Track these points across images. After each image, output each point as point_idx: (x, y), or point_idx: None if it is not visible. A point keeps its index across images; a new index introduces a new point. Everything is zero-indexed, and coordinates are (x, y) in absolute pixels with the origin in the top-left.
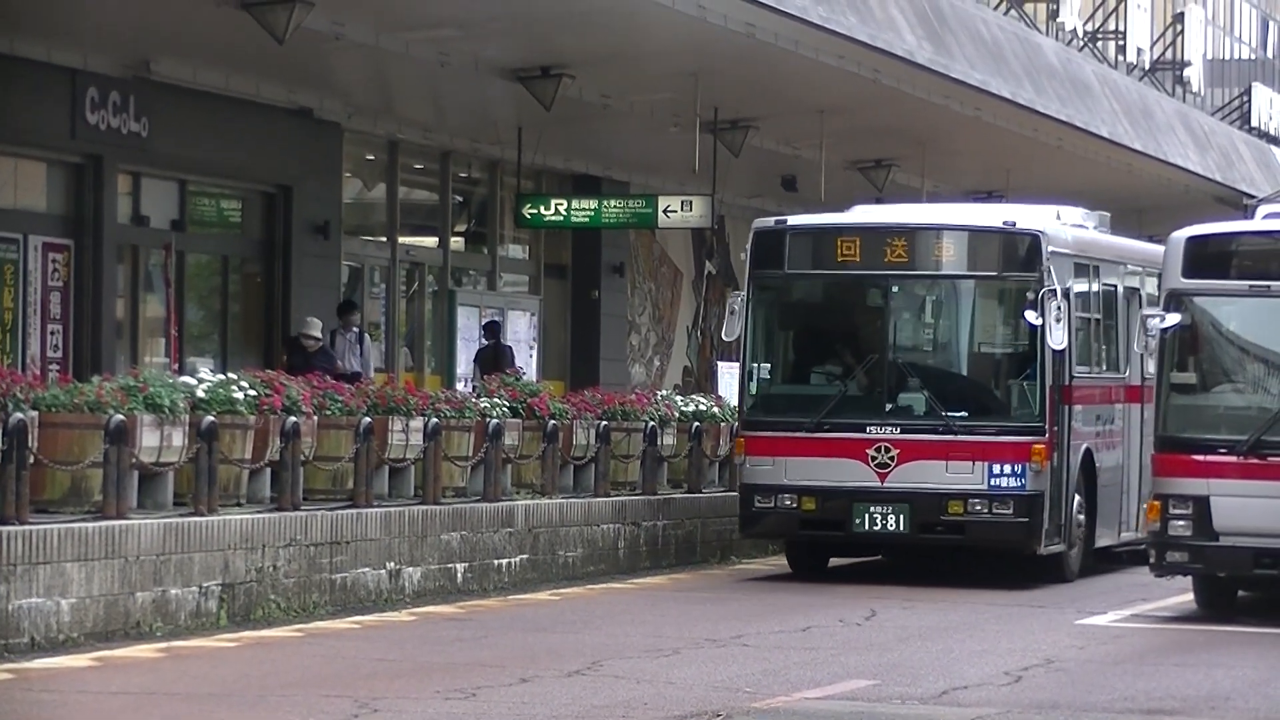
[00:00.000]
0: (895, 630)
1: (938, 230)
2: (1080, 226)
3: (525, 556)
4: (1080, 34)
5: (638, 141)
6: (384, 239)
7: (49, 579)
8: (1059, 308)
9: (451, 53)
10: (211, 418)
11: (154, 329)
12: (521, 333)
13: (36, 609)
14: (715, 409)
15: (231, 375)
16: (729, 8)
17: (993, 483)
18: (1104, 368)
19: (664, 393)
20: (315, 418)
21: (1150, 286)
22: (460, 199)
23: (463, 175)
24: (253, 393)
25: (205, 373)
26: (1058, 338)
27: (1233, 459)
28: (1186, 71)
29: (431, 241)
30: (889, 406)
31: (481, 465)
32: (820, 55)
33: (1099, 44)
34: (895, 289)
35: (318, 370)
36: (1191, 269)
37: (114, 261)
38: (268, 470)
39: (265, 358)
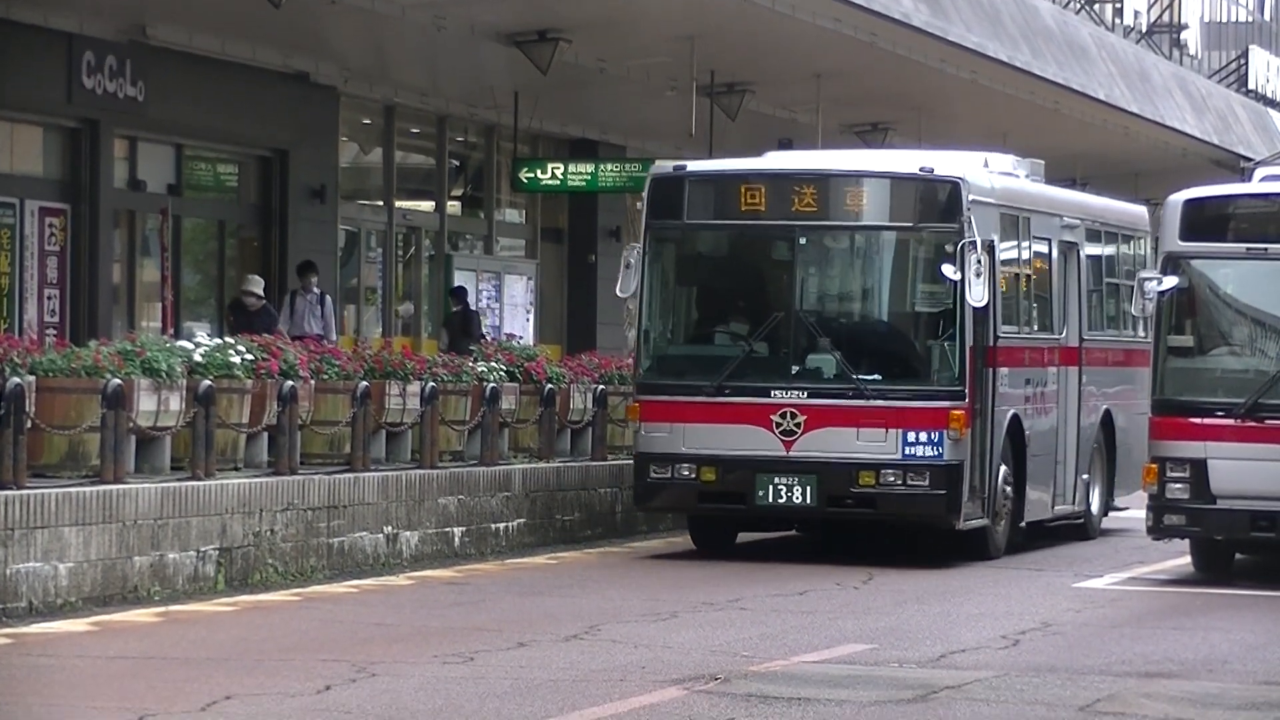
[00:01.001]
0: (892, 594)
1: (849, 177)
2: (1009, 175)
3: (522, 521)
4: None
5: (634, 105)
6: (380, 203)
7: (46, 543)
8: (979, 261)
9: (448, 17)
10: (209, 382)
11: (150, 294)
12: (519, 297)
13: (34, 573)
14: None
15: (228, 339)
16: None
17: (907, 452)
18: (1035, 328)
19: None
20: (312, 382)
21: (1093, 241)
22: (457, 163)
23: (459, 139)
24: (250, 357)
25: (202, 337)
26: (978, 294)
27: (1230, 422)
28: (1184, 34)
29: (428, 206)
30: (796, 369)
31: (479, 429)
32: (817, 18)
33: (1096, 7)
34: (803, 241)
35: (259, 332)
36: (1189, 232)
37: (110, 226)
38: (265, 435)
39: None
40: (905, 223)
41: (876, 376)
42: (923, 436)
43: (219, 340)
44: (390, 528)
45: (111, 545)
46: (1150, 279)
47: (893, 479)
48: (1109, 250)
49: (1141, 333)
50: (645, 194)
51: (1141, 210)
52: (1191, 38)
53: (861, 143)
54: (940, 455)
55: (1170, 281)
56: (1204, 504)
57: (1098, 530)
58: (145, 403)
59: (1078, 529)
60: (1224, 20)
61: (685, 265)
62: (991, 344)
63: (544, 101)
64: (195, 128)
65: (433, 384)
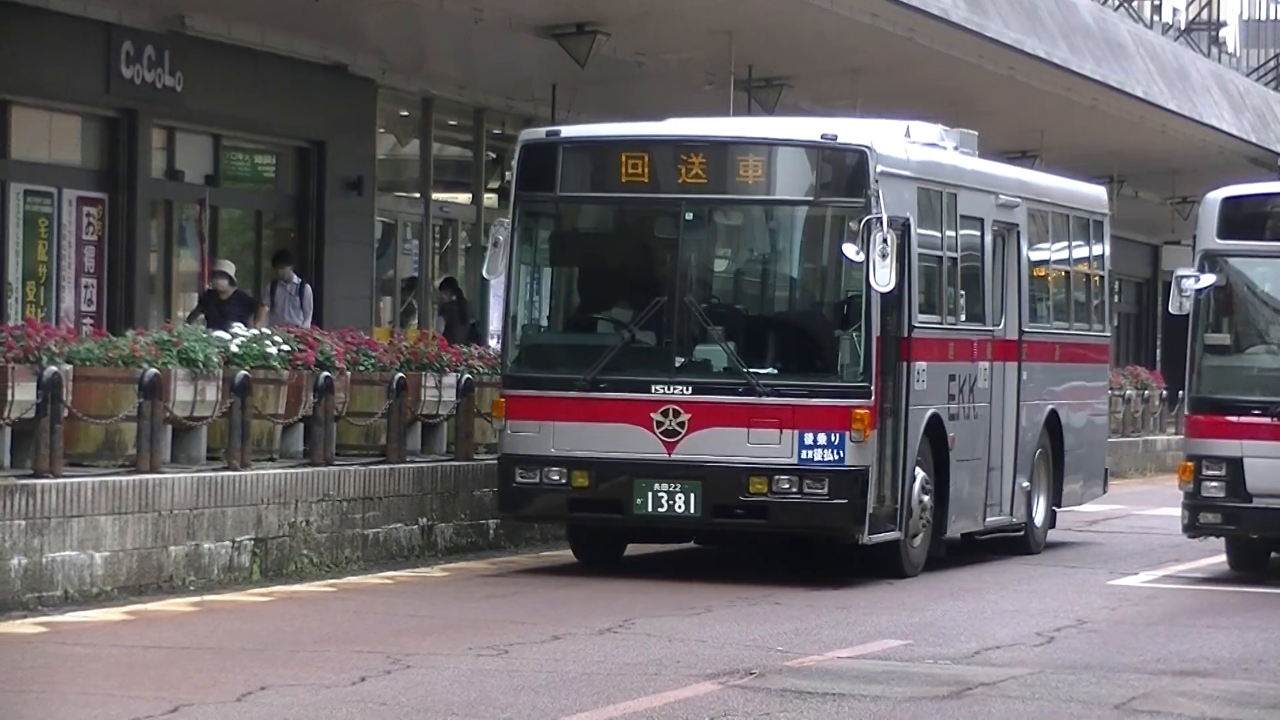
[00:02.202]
0: (926, 590)
1: (742, 145)
2: (933, 145)
3: None
4: None
5: (672, 99)
6: (417, 195)
7: (82, 532)
8: (886, 240)
9: (485, 9)
10: (245, 372)
11: (187, 284)
12: None
13: (70, 562)
14: None
15: (265, 330)
16: None
17: (804, 455)
18: (962, 318)
19: None
20: (348, 373)
21: (1037, 223)
22: (494, 156)
23: (496, 132)
24: (286, 348)
25: (239, 327)
26: (883, 278)
27: (1266, 420)
28: (1222, 32)
29: (465, 198)
30: (680, 361)
31: None
32: (855, 13)
33: (1134, 4)
34: (690, 216)
35: (232, 319)
36: (1226, 230)
37: (147, 216)
38: (300, 425)
39: None
40: (805, 196)
41: (771, 370)
42: (821, 438)
43: (255, 331)
44: (425, 519)
45: (147, 535)
46: (1188, 277)
47: (787, 486)
48: (1058, 233)
49: (1098, 326)
50: (515, 162)
51: (1099, 191)
52: (1230, 35)
53: None
54: (841, 459)
55: (1208, 279)
56: (1240, 503)
57: (1041, 543)
58: (182, 392)
59: (1016, 542)
60: (1263, 18)
61: (558, 244)
62: (906, 335)
63: (581, 95)
64: (233, 118)
65: (468, 376)
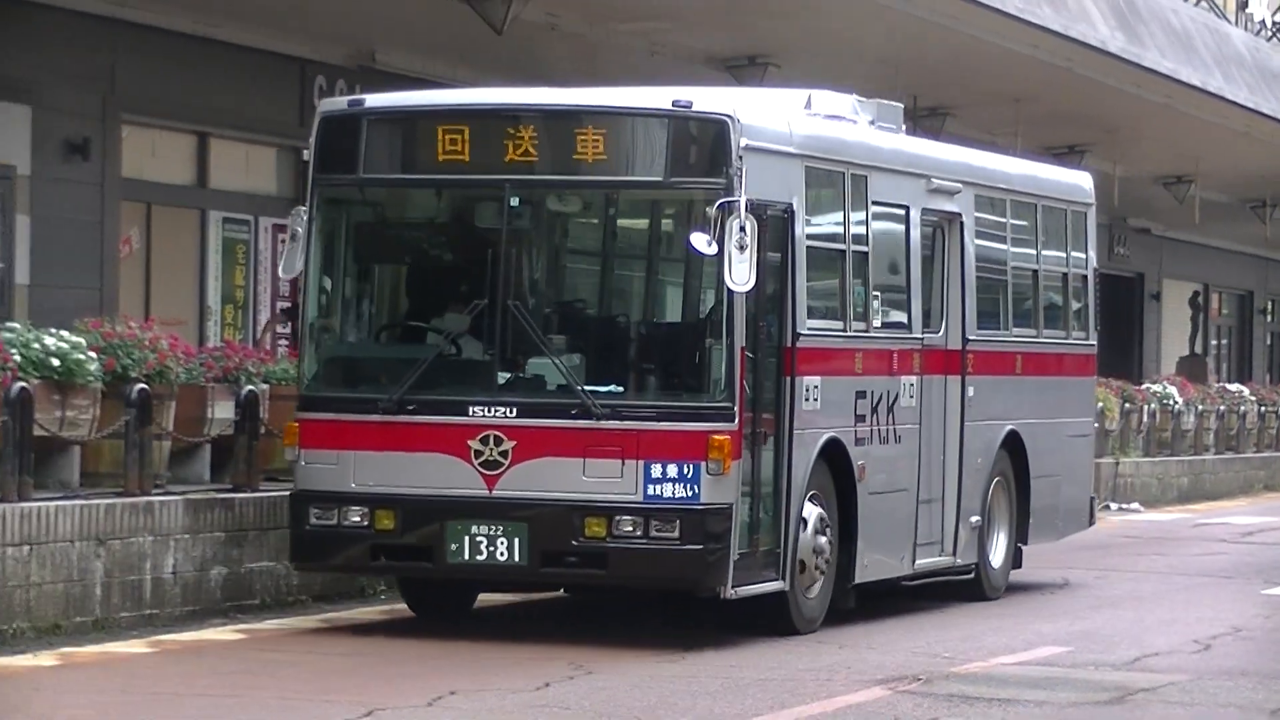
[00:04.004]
0: (1088, 599)
1: (578, 114)
2: (836, 118)
3: None
4: (1269, 24)
5: None
6: None
7: (277, 544)
8: (744, 229)
9: (661, 42)
10: None
11: None
12: None
13: (267, 572)
14: None
15: None
16: (927, 0)
17: (650, 491)
18: (876, 323)
19: None
20: None
21: (990, 213)
22: None
23: None
24: None
25: None
26: (740, 274)
27: None
28: None
29: None
30: (504, 378)
31: None
32: (1016, 44)
33: None
34: (516, 202)
35: None
36: None
37: None
38: None
39: None
40: (652, 176)
41: (613, 388)
42: (672, 470)
43: None
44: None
45: None
46: None
47: (630, 529)
48: (1021, 227)
49: (1079, 334)
50: (313, 140)
51: (1078, 179)
52: None
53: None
54: (695, 495)
55: None
56: None
57: (999, 587)
58: None
59: (965, 587)
60: None
61: (362, 237)
62: (790, 344)
63: None
64: None
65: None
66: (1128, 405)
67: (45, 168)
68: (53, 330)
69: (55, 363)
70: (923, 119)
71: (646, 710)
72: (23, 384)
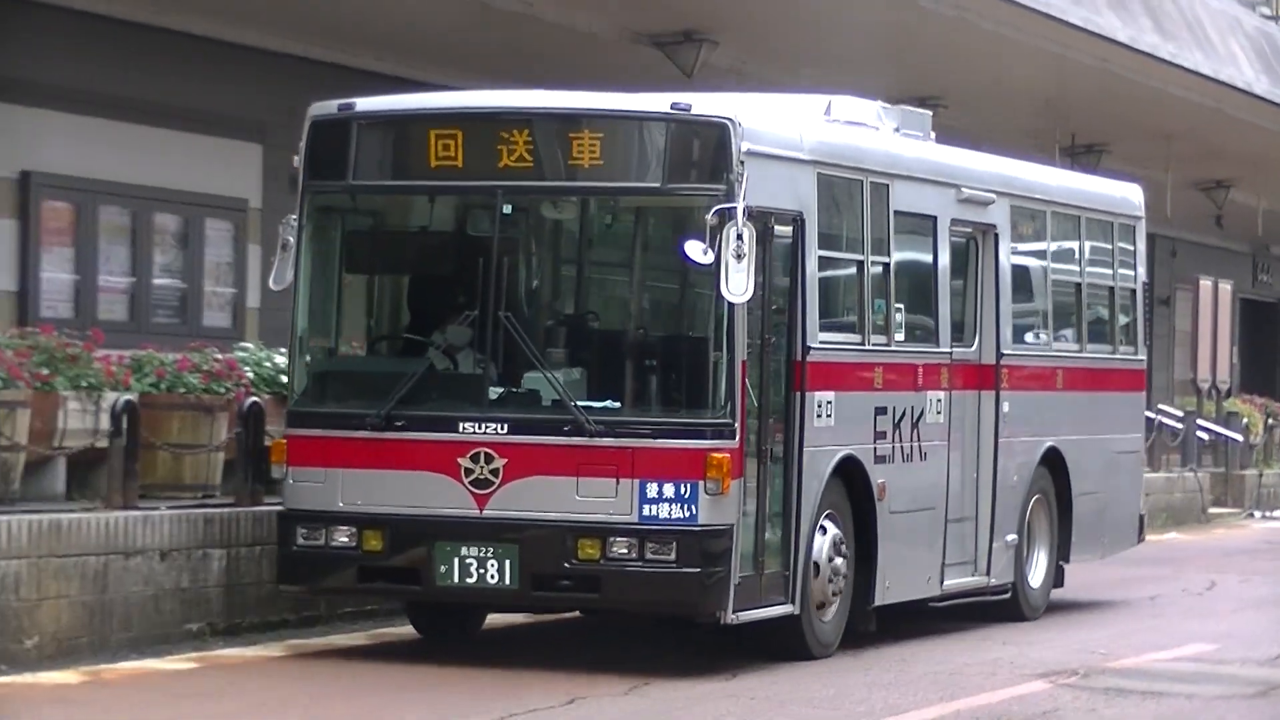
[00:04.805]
0: (1232, 601)
1: (574, 118)
2: (856, 125)
3: None
4: None
5: None
6: None
7: None
8: (741, 237)
9: (841, 87)
10: None
11: None
12: None
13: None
14: None
15: None
16: (1087, 45)
17: (646, 512)
18: (899, 337)
19: None
20: None
21: (1030, 225)
22: None
23: None
24: None
25: None
26: (737, 284)
27: None
28: None
29: None
30: (495, 392)
31: None
32: (1168, 87)
33: None
34: (509, 210)
35: None
36: None
37: None
38: None
39: None
40: (650, 182)
41: (608, 404)
42: (669, 490)
43: None
44: None
45: None
46: None
47: (625, 551)
48: (1063, 239)
49: (1127, 348)
50: (303, 145)
51: (1129, 191)
52: None
53: (1207, 198)
54: (693, 516)
55: None
56: None
57: (1038, 608)
58: None
59: (1000, 607)
60: None
61: (353, 245)
62: (800, 358)
63: None
64: None
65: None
66: (1270, 421)
67: (274, 200)
68: (281, 350)
69: (284, 379)
70: (1079, 155)
71: (827, 700)
72: (255, 399)
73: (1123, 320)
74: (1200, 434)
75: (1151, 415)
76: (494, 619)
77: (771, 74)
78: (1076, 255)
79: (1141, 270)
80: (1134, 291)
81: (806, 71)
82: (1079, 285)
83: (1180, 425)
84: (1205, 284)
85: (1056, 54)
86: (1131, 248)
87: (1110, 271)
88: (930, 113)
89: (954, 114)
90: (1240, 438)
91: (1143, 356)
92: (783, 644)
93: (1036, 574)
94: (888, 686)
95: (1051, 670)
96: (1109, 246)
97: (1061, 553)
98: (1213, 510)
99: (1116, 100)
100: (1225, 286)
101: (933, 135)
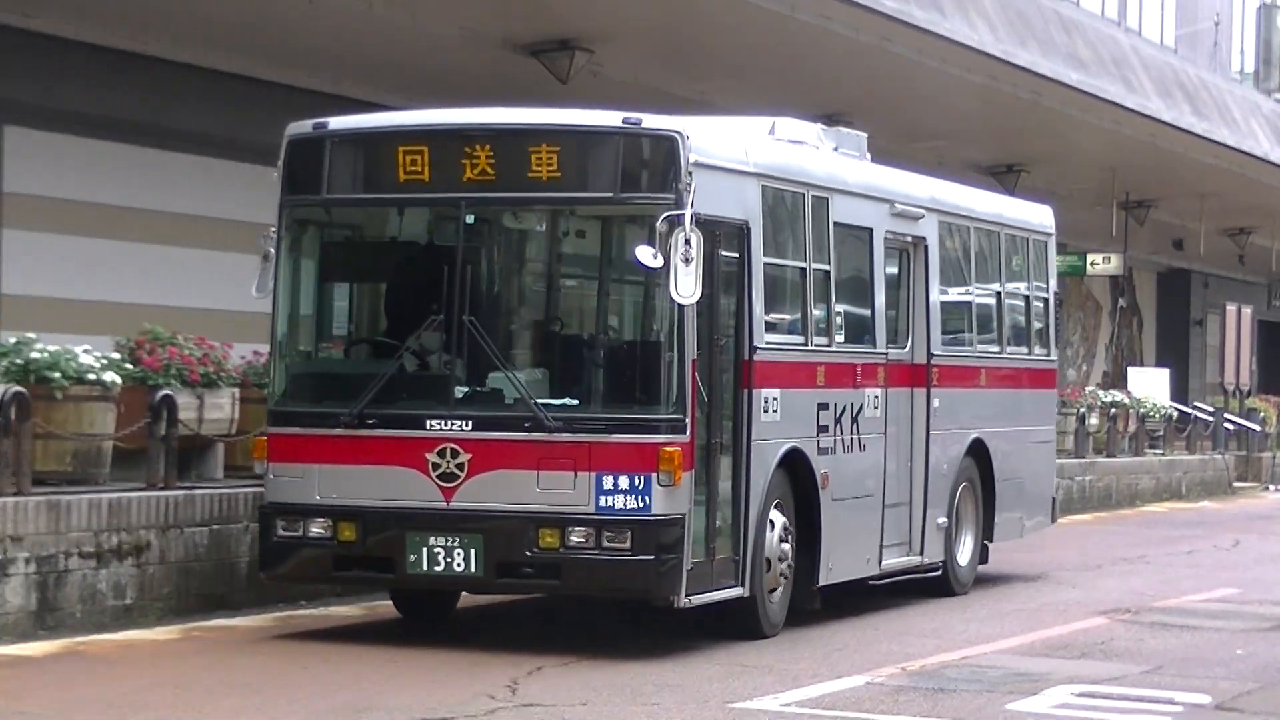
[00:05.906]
0: (1254, 554)
1: (531, 134)
2: (798, 143)
3: None
4: None
5: (1072, 216)
6: None
7: None
8: (689, 242)
9: (945, 155)
10: None
11: None
12: None
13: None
14: (1125, 399)
15: None
16: (1139, 124)
17: (602, 502)
18: (839, 338)
19: (1090, 388)
20: None
21: (954, 239)
22: None
23: None
24: None
25: None
26: (685, 287)
27: None
28: None
29: None
30: (460, 392)
31: None
32: (1202, 156)
33: None
34: (471, 220)
35: None
36: None
37: None
38: None
39: None
40: (603, 192)
41: (566, 401)
42: (623, 482)
43: None
44: None
45: None
46: None
47: (582, 539)
48: (985, 252)
49: (1040, 350)
50: (281, 162)
51: (1040, 212)
52: None
53: (1233, 243)
54: (647, 506)
55: None
56: None
57: (965, 583)
58: None
59: (932, 584)
60: None
61: (328, 255)
62: (748, 357)
63: None
64: None
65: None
66: None
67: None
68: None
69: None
70: (1132, 209)
71: (933, 631)
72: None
73: (1037, 325)
74: (1227, 425)
75: (1189, 410)
76: (466, 599)
77: (894, 146)
78: (997, 267)
79: (1053, 282)
80: (1046, 300)
81: (920, 144)
82: (999, 294)
83: (1211, 418)
84: (1230, 308)
85: (1114, 130)
86: (1044, 261)
87: (1026, 283)
88: (865, 135)
89: (1035, 178)
90: (1258, 428)
91: (1054, 358)
92: (736, 624)
93: (964, 553)
94: (982, 620)
95: (1110, 609)
96: (1025, 260)
97: (986, 533)
98: (1237, 484)
99: (1161, 167)
100: (1246, 310)
101: (868, 155)
